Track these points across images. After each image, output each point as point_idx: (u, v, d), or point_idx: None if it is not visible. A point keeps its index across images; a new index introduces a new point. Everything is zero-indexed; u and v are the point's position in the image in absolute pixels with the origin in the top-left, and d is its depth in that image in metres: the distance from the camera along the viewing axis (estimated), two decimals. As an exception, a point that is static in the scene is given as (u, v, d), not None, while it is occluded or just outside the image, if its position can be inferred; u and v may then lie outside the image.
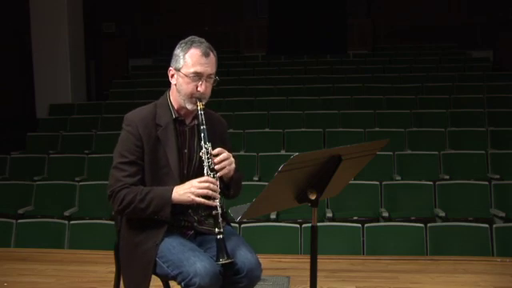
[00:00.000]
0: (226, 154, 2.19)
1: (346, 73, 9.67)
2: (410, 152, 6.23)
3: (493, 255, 3.99)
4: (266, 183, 1.98)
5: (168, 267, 2.09)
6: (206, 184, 2.10)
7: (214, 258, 2.11)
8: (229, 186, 2.25)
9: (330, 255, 3.81)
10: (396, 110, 7.50)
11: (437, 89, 8.35)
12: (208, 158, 2.15)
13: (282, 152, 6.41)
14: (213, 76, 2.24)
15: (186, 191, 2.11)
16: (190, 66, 2.19)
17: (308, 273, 2.09)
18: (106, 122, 7.78)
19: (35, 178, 6.01)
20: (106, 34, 12.07)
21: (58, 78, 8.88)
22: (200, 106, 2.19)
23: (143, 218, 2.17)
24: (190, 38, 2.25)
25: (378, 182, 5.19)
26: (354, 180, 4.61)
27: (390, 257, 3.83)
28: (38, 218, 4.88)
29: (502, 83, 8.52)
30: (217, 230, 2.08)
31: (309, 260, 2.10)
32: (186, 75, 2.19)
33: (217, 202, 2.11)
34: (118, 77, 10.72)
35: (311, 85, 8.86)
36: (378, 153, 2.29)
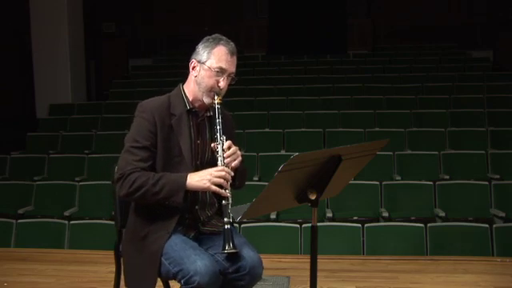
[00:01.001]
0: (235, 147, 2.24)
1: (345, 73, 9.67)
2: (410, 152, 6.23)
3: (493, 255, 3.99)
4: (266, 183, 1.98)
5: (169, 264, 2.10)
6: (223, 173, 2.13)
7: (216, 256, 2.13)
8: (234, 177, 2.26)
9: (330, 255, 3.81)
10: (396, 110, 7.50)
11: (437, 89, 8.35)
12: (223, 150, 2.19)
13: (282, 152, 6.41)
14: (233, 75, 2.29)
15: (202, 178, 2.13)
16: (216, 60, 2.23)
17: (308, 273, 2.09)
18: (105, 122, 7.78)
19: (35, 178, 6.01)
20: (106, 34, 12.07)
21: (58, 78, 8.88)
22: (218, 100, 2.23)
23: (151, 203, 2.16)
24: (216, 35, 2.30)
25: (378, 182, 5.19)
26: (354, 180, 4.61)
27: (390, 257, 3.83)
28: (37, 218, 4.88)
29: (502, 83, 8.51)
30: (226, 219, 2.11)
31: (309, 260, 2.10)
32: (210, 68, 2.23)
33: (228, 193, 2.15)
34: (117, 77, 10.72)
35: (311, 85, 8.86)
36: (378, 153, 2.29)
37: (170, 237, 2.15)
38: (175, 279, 2.11)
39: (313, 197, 2.02)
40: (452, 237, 4.11)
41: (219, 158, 2.18)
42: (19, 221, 4.65)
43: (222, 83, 2.23)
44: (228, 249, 2.07)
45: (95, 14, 11.43)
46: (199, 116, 2.32)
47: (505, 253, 3.93)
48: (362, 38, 11.93)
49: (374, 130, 6.89)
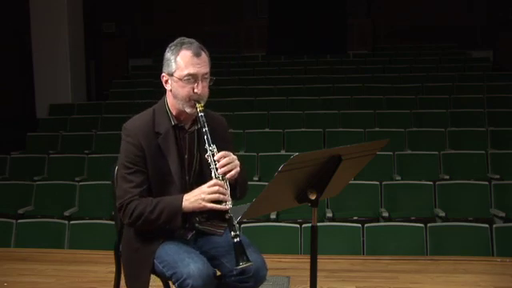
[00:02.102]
0: (230, 156, 2.13)
1: (346, 73, 9.67)
2: (410, 152, 6.23)
3: (493, 255, 3.99)
4: (266, 183, 1.98)
5: (163, 268, 2.10)
6: (216, 188, 2.06)
7: (221, 259, 2.13)
8: (235, 188, 2.20)
9: (330, 255, 3.81)
10: (396, 110, 7.50)
11: (437, 89, 8.34)
12: (214, 161, 2.10)
13: (282, 152, 6.41)
14: (208, 75, 2.19)
15: (196, 198, 2.08)
16: (183, 68, 2.13)
17: (308, 273, 2.09)
18: (106, 122, 7.78)
19: (35, 178, 6.01)
20: (106, 34, 12.06)
21: (58, 78, 8.88)
22: (199, 107, 2.15)
23: (154, 229, 2.14)
24: (179, 39, 2.21)
25: (378, 182, 5.19)
26: (354, 180, 4.60)
27: (390, 257, 3.83)
28: (38, 217, 4.88)
29: (502, 83, 8.51)
30: (233, 233, 2.03)
31: (309, 260, 2.10)
32: (180, 79, 2.14)
33: (228, 206, 2.07)
34: (118, 77, 10.72)
35: (311, 85, 8.86)
36: (378, 153, 2.28)
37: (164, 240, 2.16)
38: (171, 281, 2.12)
39: (313, 197, 2.02)
40: (452, 237, 4.11)
41: (212, 171, 2.11)
42: (19, 221, 4.65)
43: (198, 89, 2.13)
44: (242, 263, 2.00)
45: (95, 14, 11.42)
46: (186, 130, 2.25)
47: (505, 253, 3.93)
48: (361, 38, 11.93)
49: (374, 129, 6.89)
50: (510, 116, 7.04)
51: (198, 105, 2.15)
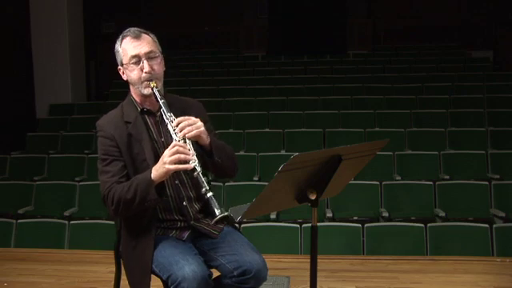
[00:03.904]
0: (190, 120, 2.12)
1: (345, 73, 9.67)
2: (410, 152, 6.23)
3: (493, 255, 3.99)
4: (266, 183, 1.98)
5: (160, 271, 2.10)
6: (175, 148, 2.05)
7: (221, 259, 2.13)
8: (211, 153, 2.18)
9: (330, 255, 3.81)
10: (396, 110, 7.51)
11: (437, 89, 8.35)
12: (173, 128, 2.11)
13: (282, 152, 6.41)
14: (154, 54, 2.24)
15: (160, 164, 2.08)
16: (126, 53, 2.24)
17: (308, 273, 2.09)
18: (106, 122, 7.76)
19: (35, 178, 6.01)
20: (106, 35, 12.06)
21: (57, 78, 8.88)
22: (152, 84, 2.19)
23: (137, 212, 2.14)
24: (122, 32, 2.29)
25: (377, 182, 5.19)
26: (354, 180, 4.61)
27: (390, 257, 3.83)
28: (37, 218, 4.87)
29: (502, 83, 8.52)
30: (204, 189, 2.03)
31: (309, 260, 2.10)
32: (127, 64, 2.24)
33: (192, 164, 2.04)
34: (117, 77, 10.68)
35: (311, 85, 8.86)
36: (378, 153, 2.28)
37: (160, 241, 2.16)
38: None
39: (313, 197, 2.02)
40: (452, 237, 4.10)
41: (172, 136, 2.11)
42: (19, 221, 4.65)
43: (146, 68, 2.19)
44: (219, 213, 1.98)
45: (95, 14, 11.42)
46: (155, 114, 2.28)
47: (505, 253, 3.93)
48: (361, 38, 11.94)
49: (374, 129, 6.89)
50: (510, 116, 7.04)
51: (151, 83, 2.20)
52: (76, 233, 4.40)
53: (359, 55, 11.41)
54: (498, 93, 8.06)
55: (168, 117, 2.14)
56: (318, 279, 2.10)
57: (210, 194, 2.02)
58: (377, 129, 6.97)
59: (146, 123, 2.26)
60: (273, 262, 3.63)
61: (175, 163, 2.04)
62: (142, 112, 2.27)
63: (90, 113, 8.31)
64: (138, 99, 2.29)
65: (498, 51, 11.27)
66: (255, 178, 5.70)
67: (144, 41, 2.24)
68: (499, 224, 4.41)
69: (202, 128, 2.13)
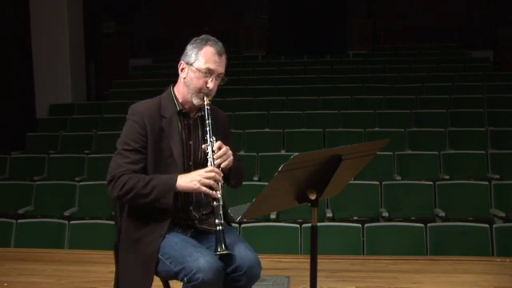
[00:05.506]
0: (225, 148, 2.22)
1: (345, 73, 9.67)
2: (410, 152, 6.23)
3: (493, 255, 3.99)
4: (266, 183, 1.98)
5: (171, 263, 2.10)
6: (213, 174, 2.13)
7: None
8: (228, 177, 2.28)
9: (330, 255, 3.81)
10: (396, 110, 7.50)
11: (437, 89, 8.35)
12: (212, 151, 2.19)
13: (282, 152, 6.41)
14: (222, 76, 2.29)
15: (192, 179, 2.12)
16: (204, 61, 2.23)
17: (308, 273, 2.09)
18: (105, 121, 7.78)
19: (35, 178, 6.01)
20: (106, 34, 12.07)
21: (58, 78, 8.87)
22: (207, 101, 2.24)
23: (142, 206, 2.16)
24: (204, 36, 2.30)
25: (377, 182, 5.19)
26: (354, 180, 4.60)
27: (390, 257, 3.83)
28: (37, 218, 4.87)
29: (502, 83, 8.52)
30: (217, 221, 2.11)
31: (309, 260, 2.10)
32: (198, 70, 2.23)
33: (219, 194, 2.13)
34: (117, 77, 10.72)
35: (311, 85, 8.86)
36: (378, 153, 2.29)
37: (164, 238, 2.16)
38: (176, 278, 2.11)
39: (313, 197, 2.02)
40: (452, 237, 4.10)
41: (209, 160, 2.18)
42: (19, 221, 4.64)
43: (211, 84, 2.24)
44: (220, 251, 2.06)
45: (95, 14, 11.42)
46: (190, 117, 2.32)
47: (505, 253, 3.93)
48: (361, 38, 11.93)
49: (374, 129, 6.89)
50: (510, 116, 7.04)
51: (206, 98, 2.25)
52: (76, 233, 4.40)
53: (359, 55, 11.41)
54: (498, 93, 8.06)
55: (212, 140, 2.20)
56: (318, 279, 2.11)
57: (219, 228, 2.10)
58: (377, 129, 6.97)
59: (179, 122, 2.29)
60: (273, 262, 3.63)
61: (207, 186, 2.12)
62: (180, 112, 2.29)
63: (90, 113, 8.32)
64: (181, 98, 2.31)
65: (497, 51, 11.26)
66: (255, 178, 5.71)
67: (223, 62, 2.28)
68: (499, 224, 4.41)
69: (231, 158, 2.23)
